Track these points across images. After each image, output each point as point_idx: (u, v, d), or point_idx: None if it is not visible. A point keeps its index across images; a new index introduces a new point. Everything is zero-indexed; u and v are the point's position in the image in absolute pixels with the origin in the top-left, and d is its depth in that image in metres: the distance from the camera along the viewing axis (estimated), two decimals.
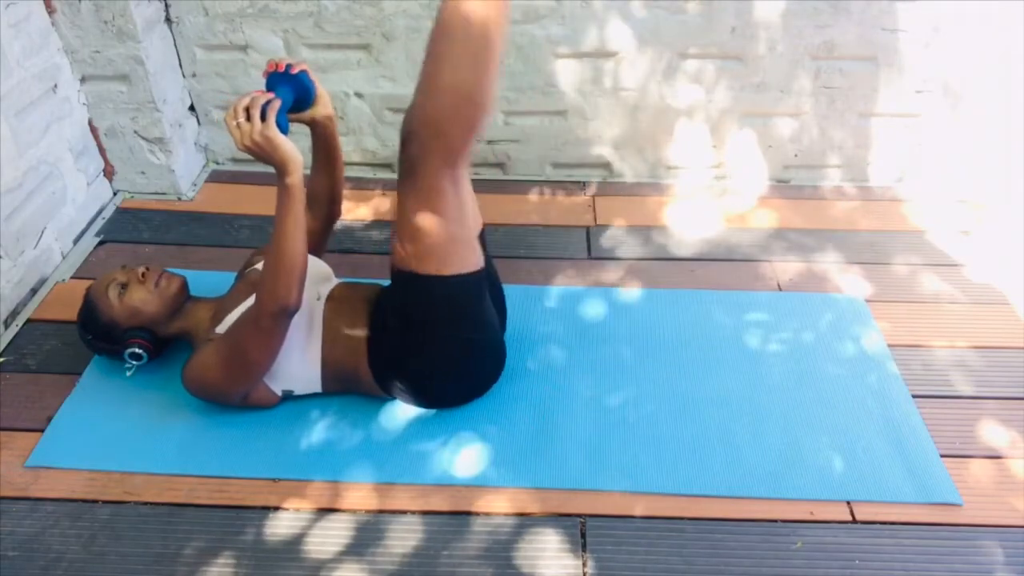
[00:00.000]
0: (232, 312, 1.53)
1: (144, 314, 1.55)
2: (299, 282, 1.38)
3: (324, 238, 1.75)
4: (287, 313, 1.38)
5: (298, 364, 1.52)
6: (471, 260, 1.46)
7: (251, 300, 1.50)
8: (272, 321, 1.39)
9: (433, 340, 1.47)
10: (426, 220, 1.38)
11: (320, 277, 1.63)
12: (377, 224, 2.18)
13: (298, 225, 1.35)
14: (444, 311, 1.46)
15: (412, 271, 1.43)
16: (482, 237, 1.58)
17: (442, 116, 1.30)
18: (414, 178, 1.36)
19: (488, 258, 1.63)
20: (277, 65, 1.40)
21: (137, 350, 1.55)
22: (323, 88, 1.50)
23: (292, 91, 1.41)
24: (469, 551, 1.36)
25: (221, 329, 1.51)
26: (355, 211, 2.21)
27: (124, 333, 1.55)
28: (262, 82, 1.42)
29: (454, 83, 1.28)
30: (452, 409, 1.60)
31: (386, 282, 1.65)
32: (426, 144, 1.32)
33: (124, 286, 1.55)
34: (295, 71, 1.41)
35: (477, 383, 1.60)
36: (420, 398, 1.57)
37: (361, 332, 1.52)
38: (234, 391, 1.50)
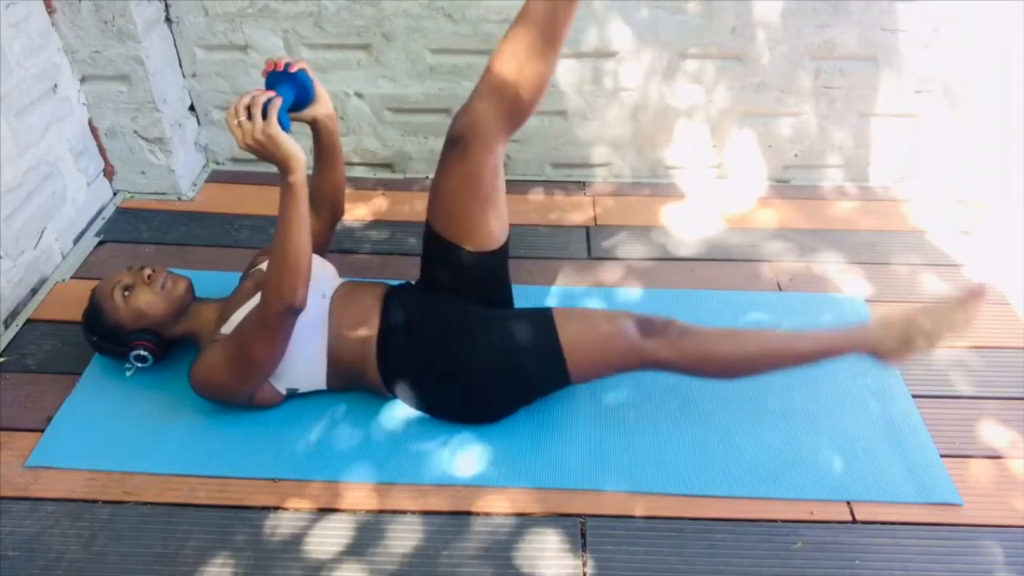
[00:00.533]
0: (237, 312, 1.53)
1: (150, 316, 1.55)
2: (304, 281, 1.38)
3: (327, 237, 1.75)
4: (292, 312, 1.38)
5: (303, 363, 1.52)
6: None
7: (256, 300, 1.50)
8: (278, 320, 1.39)
9: (485, 352, 1.48)
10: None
11: (325, 276, 1.63)
12: (376, 224, 2.18)
13: (302, 223, 1.35)
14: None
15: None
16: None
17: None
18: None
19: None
20: (276, 64, 1.40)
21: (143, 352, 1.55)
22: (322, 87, 1.50)
23: (292, 90, 1.41)
24: (469, 551, 1.36)
25: (227, 329, 1.51)
26: (354, 211, 2.21)
27: (130, 335, 1.55)
28: (262, 82, 1.42)
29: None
30: None
31: (394, 281, 1.65)
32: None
33: (129, 288, 1.55)
34: (294, 69, 1.41)
35: (487, 416, 1.58)
36: (428, 409, 1.57)
37: (369, 331, 1.52)
38: (241, 391, 1.50)
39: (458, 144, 1.42)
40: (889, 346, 1.43)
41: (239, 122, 1.28)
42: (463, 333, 1.49)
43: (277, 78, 1.40)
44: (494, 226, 1.50)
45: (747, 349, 1.47)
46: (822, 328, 1.58)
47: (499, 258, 1.53)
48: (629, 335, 1.46)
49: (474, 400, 1.53)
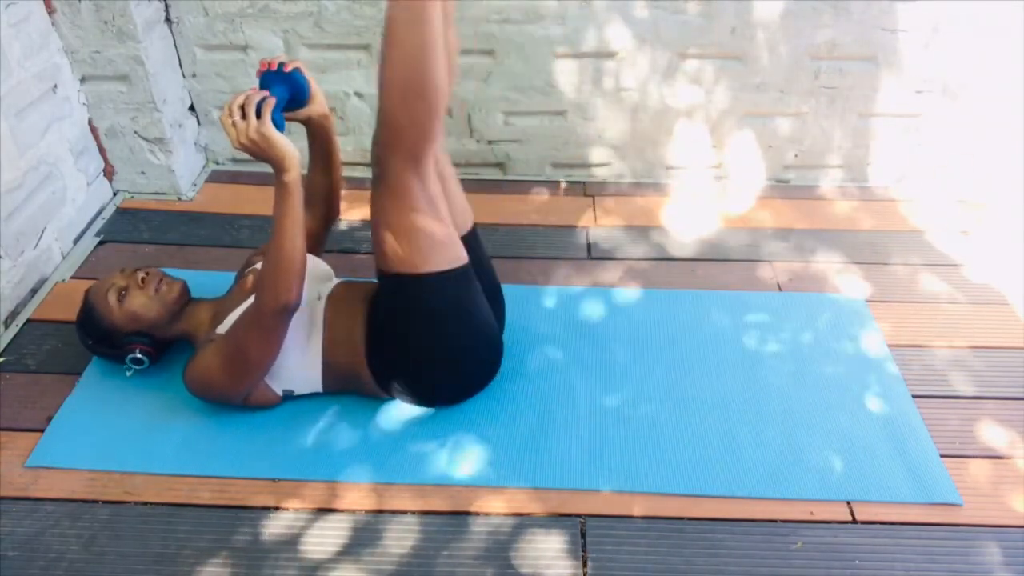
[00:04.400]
0: (232, 312, 1.53)
1: (144, 319, 1.55)
2: (299, 280, 1.38)
3: (323, 237, 1.75)
4: (287, 311, 1.38)
5: (299, 364, 1.52)
6: (450, 256, 1.45)
7: (251, 300, 1.49)
8: (273, 319, 1.38)
9: (423, 338, 1.47)
10: (397, 220, 1.40)
11: (320, 277, 1.63)
12: None
13: (296, 222, 1.35)
14: (428, 309, 1.46)
15: (393, 272, 1.44)
16: (474, 234, 1.58)
17: (394, 114, 1.33)
18: (382, 179, 1.38)
19: (485, 257, 1.62)
20: (270, 64, 1.40)
21: (138, 355, 1.55)
22: (318, 86, 1.50)
23: (286, 89, 1.40)
24: (468, 551, 1.36)
25: (222, 329, 1.51)
26: (354, 211, 2.21)
27: (124, 338, 1.55)
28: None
29: (399, 80, 1.30)
30: (451, 409, 1.60)
31: None
32: (386, 144, 1.35)
33: (124, 291, 1.54)
34: (288, 69, 1.41)
35: (473, 380, 1.59)
36: (417, 397, 1.57)
37: (361, 331, 1.52)
38: (235, 391, 1.50)
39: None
40: None
41: (233, 122, 1.28)
42: (423, 309, 1.47)
43: (271, 78, 1.40)
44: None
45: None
46: None
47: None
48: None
49: (462, 372, 1.54)
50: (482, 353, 1.56)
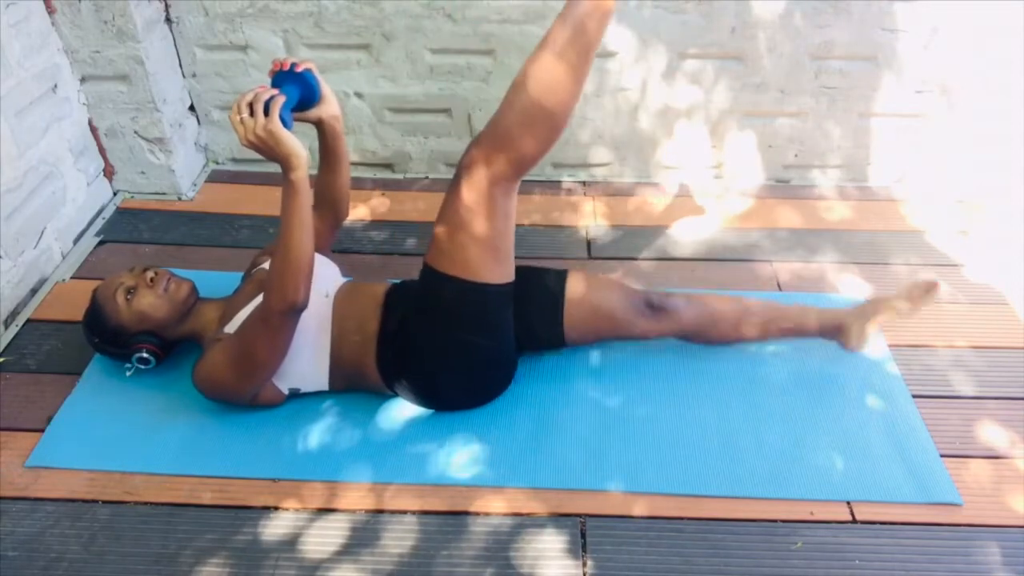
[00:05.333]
0: (241, 312, 1.53)
1: (153, 319, 1.55)
2: (307, 279, 1.37)
3: (331, 238, 1.75)
4: (295, 311, 1.38)
5: (307, 363, 1.52)
6: (501, 272, 1.46)
7: (259, 299, 1.50)
8: (281, 319, 1.38)
9: (443, 340, 1.47)
10: (467, 224, 1.41)
11: (328, 275, 1.63)
12: (376, 224, 2.18)
13: (304, 222, 1.35)
14: (458, 313, 1.46)
15: (442, 271, 1.44)
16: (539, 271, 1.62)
17: (511, 129, 1.36)
18: (466, 182, 1.39)
19: (531, 289, 1.59)
20: (282, 64, 1.41)
21: (145, 355, 1.55)
22: (329, 88, 1.50)
23: (297, 89, 1.41)
24: (468, 551, 1.36)
25: (230, 329, 1.51)
26: (354, 211, 2.20)
27: (132, 337, 1.55)
28: (261, 82, 1.42)
29: (534, 102, 1.34)
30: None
31: (395, 280, 1.66)
32: (487, 152, 1.37)
33: (132, 290, 1.54)
34: (300, 69, 1.41)
35: (480, 393, 1.59)
36: (422, 398, 1.57)
37: (369, 330, 1.52)
38: (245, 389, 1.50)
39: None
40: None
41: (241, 118, 1.28)
42: (447, 312, 1.48)
43: (283, 77, 1.40)
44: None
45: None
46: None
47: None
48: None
49: (471, 380, 1.55)
50: (496, 370, 1.58)
